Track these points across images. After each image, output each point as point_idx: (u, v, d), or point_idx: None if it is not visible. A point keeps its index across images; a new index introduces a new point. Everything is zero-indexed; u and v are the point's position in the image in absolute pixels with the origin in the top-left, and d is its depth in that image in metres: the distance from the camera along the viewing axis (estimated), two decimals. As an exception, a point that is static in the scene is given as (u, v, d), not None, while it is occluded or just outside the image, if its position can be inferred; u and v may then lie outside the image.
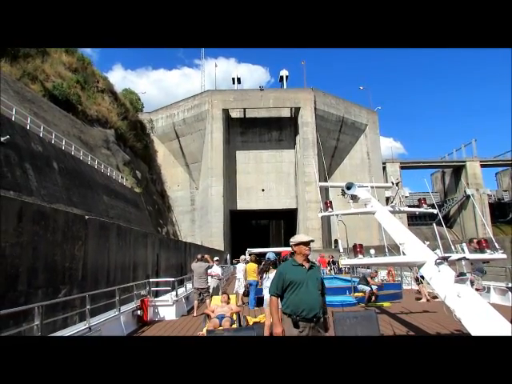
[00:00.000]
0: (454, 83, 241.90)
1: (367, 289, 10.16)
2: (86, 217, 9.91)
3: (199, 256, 10.07)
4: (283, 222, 57.21)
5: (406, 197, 56.35)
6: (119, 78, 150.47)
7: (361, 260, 4.34)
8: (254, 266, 10.33)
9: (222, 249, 39.51)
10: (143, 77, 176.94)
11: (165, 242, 19.29)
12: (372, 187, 6.55)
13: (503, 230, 64.98)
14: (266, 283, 5.93)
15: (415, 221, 64.25)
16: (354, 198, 6.36)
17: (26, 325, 4.52)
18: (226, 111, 46.84)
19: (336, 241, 40.07)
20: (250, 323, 7.05)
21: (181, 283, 11.33)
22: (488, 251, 4.23)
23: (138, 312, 8.09)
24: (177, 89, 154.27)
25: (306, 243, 3.27)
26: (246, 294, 10.69)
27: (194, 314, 9.17)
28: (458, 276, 3.33)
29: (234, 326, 6.44)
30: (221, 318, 6.47)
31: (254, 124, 48.02)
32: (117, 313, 7.00)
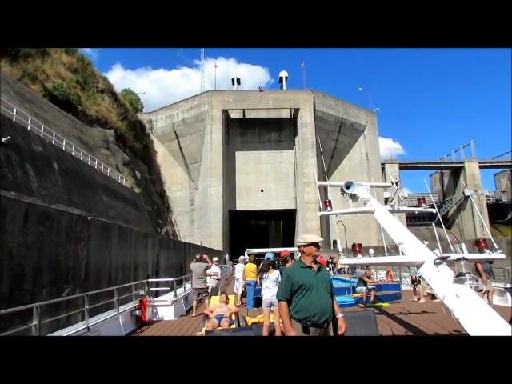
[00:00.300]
0: (453, 84, 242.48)
1: (364, 289, 10.20)
2: (89, 218, 10.02)
3: (198, 256, 10.07)
4: (282, 222, 57.21)
5: (405, 197, 56.34)
6: (119, 77, 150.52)
7: (360, 259, 4.34)
8: (252, 266, 10.33)
9: (221, 249, 39.52)
10: (143, 77, 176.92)
11: (165, 242, 19.36)
12: (371, 186, 6.55)
13: (501, 231, 65.08)
14: (266, 283, 5.94)
15: (414, 222, 64.29)
16: (353, 197, 6.36)
17: (25, 325, 4.53)
18: (225, 112, 46.89)
19: (335, 241, 40.07)
20: (249, 323, 7.06)
21: (180, 283, 11.33)
22: (487, 251, 4.24)
23: (137, 312, 8.09)
24: (176, 89, 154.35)
25: (318, 244, 3.13)
26: (244, 294, 10.69)
27: (193, 314, 9.17)
28: (456, 276, 3.33)
29: (233, 326, 6.45)
30: (219, 318, 6.46)
31: (253, 125, 48.06)
32: (115, 313, 7.00)
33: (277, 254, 11.40)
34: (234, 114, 48.82)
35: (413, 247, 4.26)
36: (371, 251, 13.29)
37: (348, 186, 6.37)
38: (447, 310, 3.29)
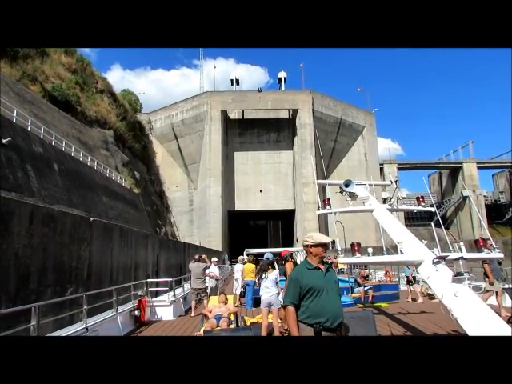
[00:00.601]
0: (452, 84, 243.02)
1: (360, 289, 10.24)
2: (91, 219, 10.12)
3: (197, 256, 10.06)
4: (281, 222, 57.24)
5: (404, 198, 56.32)
6: (118, 77, 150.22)
7: (358, 258, 4.34)
8: (251, 266, 10.33)
9: (220, 249, 39.48)
10: (142, 77, 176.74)
11: (165, 242, 19.40)
12: (370, 185, 6.54)
13: (499, 232, 65.20)
14: (265, 283, 5.94)
15: (412, 222, 64.38)
16: (352, 195, 6.35)
17: (25, 325, 4.56)
18: (224, 112, 46.86)
19: (333, 241, 39.93)
20: (248, 323, 7.06)
21: (179, 283, 11.32)
22: (485, 250, 4.25)
23: (136, 312, 8.08)
24: (175, 89, 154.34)
25: (326, 245, 2.96)
26: (243, 294, 10.68)
27: (192, 315, 9.16)
28: (455, 275, 3.34)
29: (232, 326, 6.44)
30: (218, 318, 6.46)
31: (252, 125, 48.04)
32: (114, 313, 7.00)
33: (276, 254, 11.40)
34: (233, 115, 48.79)
35: (412, 246, 4.27)
36: (370, 250, 13.30)
37: (347, 184, 6.36)
38: (445, 309, 3.30)
